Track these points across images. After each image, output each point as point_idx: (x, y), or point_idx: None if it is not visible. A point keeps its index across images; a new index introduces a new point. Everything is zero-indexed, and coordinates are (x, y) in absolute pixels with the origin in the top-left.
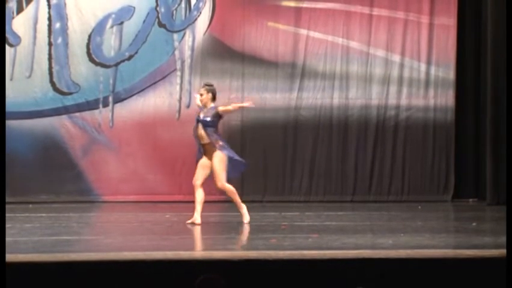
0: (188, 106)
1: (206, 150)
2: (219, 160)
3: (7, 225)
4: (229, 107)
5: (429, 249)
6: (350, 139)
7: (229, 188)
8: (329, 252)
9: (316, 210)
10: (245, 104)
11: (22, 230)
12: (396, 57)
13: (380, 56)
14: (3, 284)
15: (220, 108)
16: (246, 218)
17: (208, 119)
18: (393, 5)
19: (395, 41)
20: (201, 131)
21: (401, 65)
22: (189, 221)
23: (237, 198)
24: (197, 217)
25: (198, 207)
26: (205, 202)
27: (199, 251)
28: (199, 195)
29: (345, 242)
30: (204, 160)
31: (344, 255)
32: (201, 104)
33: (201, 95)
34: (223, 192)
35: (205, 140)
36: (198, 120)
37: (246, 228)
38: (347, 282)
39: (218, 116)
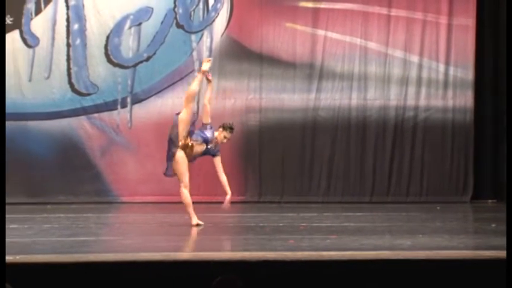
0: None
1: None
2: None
3: (25, 226)
4: (220, 172)
5: (448, 251)
6: (369, 140)
7: None
8: (347, 253)
9: (334, 211)
10: (227, 190)
11: (40, 230)
12: (415, 58)
13: (398, 56)
14: (3, 284)
15: (218, 159)
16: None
17: (210, 152)
18: (411, 5)
19: (413, 41)
20: (200, 150)
21: (420, 66)
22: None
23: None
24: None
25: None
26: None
27: (217, 252)
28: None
29: (364, 243)
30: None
31: (362, 257)
32: (221, 142)
33: (228, 139)
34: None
35: (195, 156)
36: (207, 142)
37: (264, 229)
38: (365, 283)
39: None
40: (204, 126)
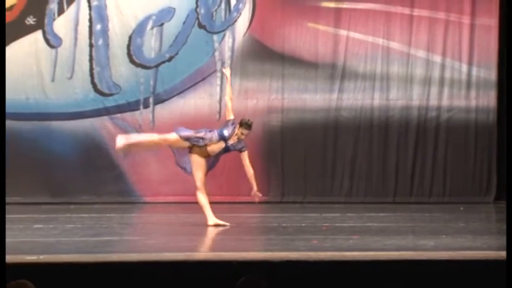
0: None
1: (195, 151)
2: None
3: (49, 226)
4: (248, 168)
5: (471, 251)
6: (391, 140)
7: None
8: (370, 253)
9: (357, 211)
10: (253, 184)
11: (64, 230)
12: (438, 58)
13: (421, 56)
14: (3, 284)
15: (245, 154)
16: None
17: (232, 148)
18: (434, 5)
19: (436, 41)
20: (218, 149)
21: (442, 66)
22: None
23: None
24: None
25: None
26: (240, 203)
27: (240, 252)
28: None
29: (387, 243)
30: (201, 158)
31: (385, 257)
32: (239, 139)
33: (246, 135)
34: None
35: (211, 154)
36: (225, 140)
37: (287, 230)
38: (388, 284)
39: (232, 151)
40: (226, 123)
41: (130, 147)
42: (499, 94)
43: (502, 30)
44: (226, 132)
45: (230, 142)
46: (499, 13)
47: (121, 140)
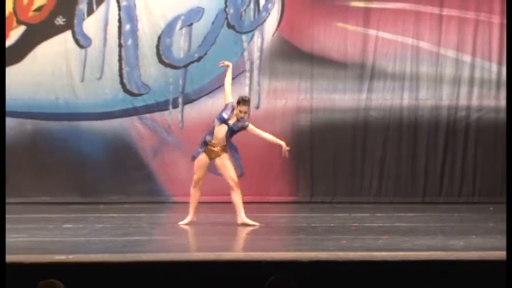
0: (257, 107)
1: (211, 152)
2: (229, 166)
3: (79, 226)
4: (263, 135)
5: (501, 251)
6: (420, 140)
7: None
8: (400, 253)
9: (386, 211)
10: (279, 142)
11: (93, 230)
12: (467, 58)
13: (451, 56)
14: (3, 284)
15: (250, 127)
16: (243, 220)
17: (236, 128)
18: (463, 5)
19: (465, 41)
20: (223, 132)
21: (472, 66)
22: (183, 222)
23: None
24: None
25: (194, 207)
26: (269, 203)
27: (269, 252)
28: (198, 195)
29: (416, 243)
30: (205, 159)
31: (414, 257)
32: (240, 117)
33: (245, 112)
34: (234, 188)
35: (221, 142)
36: (226, 121)
37: (316, 230)
38: (418, 284)
39: (242, 130)
40: (225, 106)
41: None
42: None
43: None
44: (225, 115)
45: (231, 122)
46: None
47: None
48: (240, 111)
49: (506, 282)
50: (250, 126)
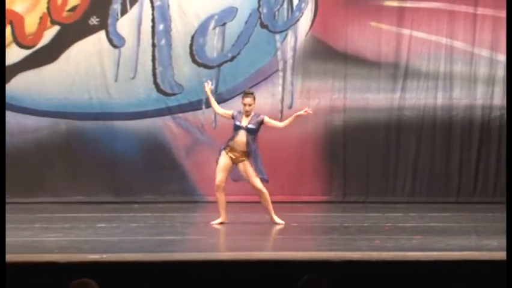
0: (290, 107)
1: (232, 156)
2: (249, 166)
3: (113, 225)
4: (281, 123)
5: None
6: (454, 139)
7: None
8: (433, 253)
9: (420, 211)
10: (301, 112)
11: (127, 229)
12: (501, 57)
13: (485, 55)
14: (3, 283)
15: (267, 119)
16: (277, 219)
17: (253, 127)
18: (498, 4)
19: (500, 40)
20: (243, 138)
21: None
22: (216, 222)
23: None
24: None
25: (223, 208)
26: (302, 203)
27: (301, 252)
28: (223, 197)
29: (450, 243)
30: (228, 162)
31: (448, 257)
32: (247, 112)
33: (250, 105)
34: (258, 194)
35: (244, 148)
36: (240, 127)
37: (349, 229)
38: (451, 284)
39: (261, 125)
40: (233, 118)
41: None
42: None
43: None
44: (237, 122)
45: (244, 124)
46: None
47: None
48: (245, 104)
49: (507, 282)
50: (266, 119)
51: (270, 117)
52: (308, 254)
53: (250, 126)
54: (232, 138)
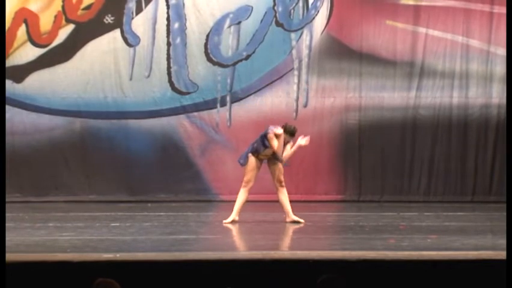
0: (305, 106)
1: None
2: (279, 167)
3: (126, 224)
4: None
5: None
6: (470, 138)
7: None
8: (449, 253)
9: (435, 210)
10: (303, 143)
11: (141, 228)
12: None
13: (501, 54)
14: (3, 283)
15: (269, 136)
16: (292, 217)
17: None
18: None
19: None
20: (270, 151)
21: None
22: (228, 221)
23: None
24: (235, 216)
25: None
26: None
27: (316, 251)
28: (246, 197)
29: (465, 243)
30: (257, 162)
31: (463, 257)
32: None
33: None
34: (280, 189)
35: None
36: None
37: (364, 229)
38: (466, 283)
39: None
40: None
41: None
42: None
43: None
44: (261, 148)
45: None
46: None
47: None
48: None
49: (507, 282)
50: (269, 136)
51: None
52: (323, 253)
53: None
54: (261, 148)
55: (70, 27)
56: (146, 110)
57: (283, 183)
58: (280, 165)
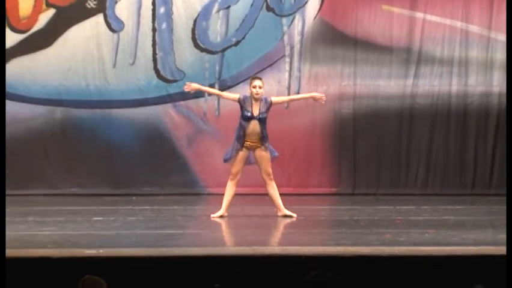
0: (297, 94)
1: (250, 146)
2: (268, 159)
3: (110, 218)
4: (290, 97)
5: None
6: (469, 128)
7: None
8: (447, 248)
9: (433, 203)
10: (315, 94)
11: (125, 223)
12: None
13: (502, 40)
14: (3, 283)
15: (275, 100)
16: (283, 211)
17: (265, 115)
18: None
19: None
20: (256, 127)
21: None
22: (216, 215)
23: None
24: (223, 212)
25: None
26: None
27: (308, 246)
28: (234, 190)
29: (464, 237)
30: (244, 152)
31: (462, 252)
32: (257, 95)
33: (260, 87)
34: (268, 182)
35: (257, 135)
36: (252, 118)
37: (358, 223)
38: (465, 279)
39: (269, 109)
40: (241, 103)
41: None
42: None
43: None
44: (247, 113)
45: (256, 113)
46: None
47: None
48: (254, 87)
49: (507, 280)
50: (274, 99)
51: (276, 95)
52: (316, 248)
53: (262, 115)
54: (243, 129)
55: (51, 11)
56: (130, 99)
57: (272, 176)
58: (268, 156)
